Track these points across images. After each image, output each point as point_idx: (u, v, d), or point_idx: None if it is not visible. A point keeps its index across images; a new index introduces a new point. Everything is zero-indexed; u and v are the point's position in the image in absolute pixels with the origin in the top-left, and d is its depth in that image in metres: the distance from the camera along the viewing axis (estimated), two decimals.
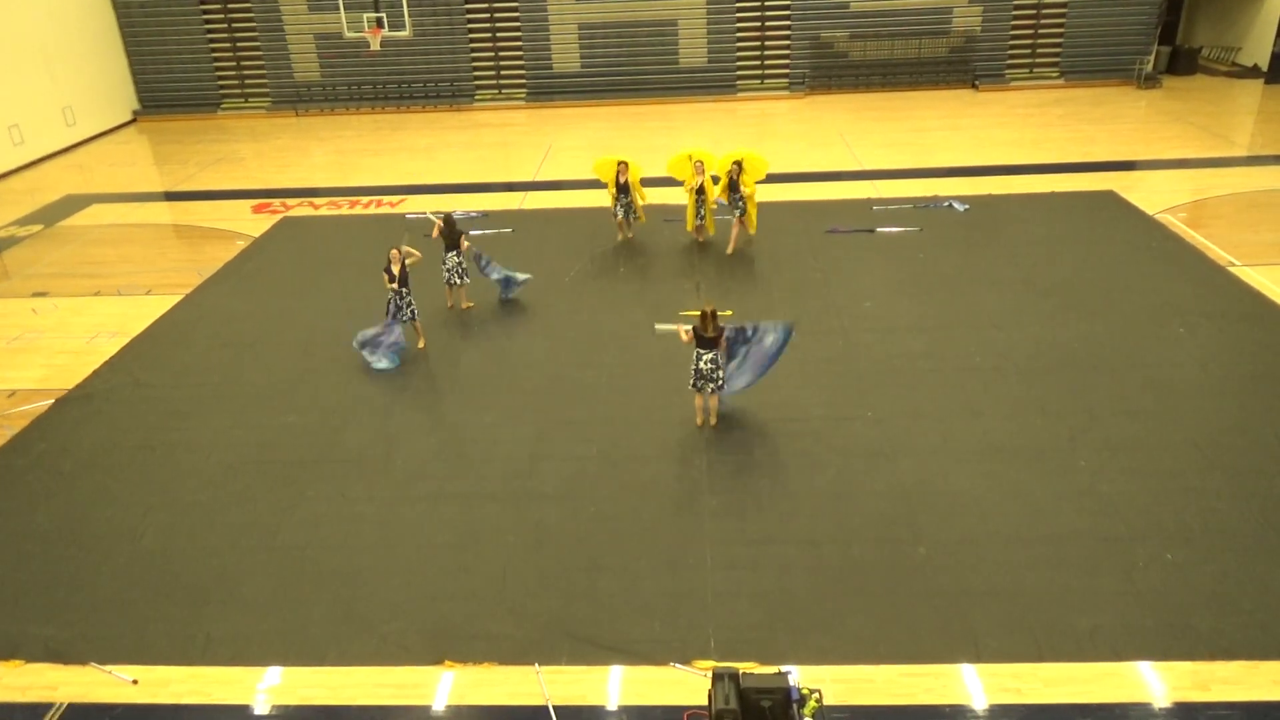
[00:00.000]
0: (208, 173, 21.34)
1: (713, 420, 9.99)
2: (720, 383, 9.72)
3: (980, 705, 6.57)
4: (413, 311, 11.78)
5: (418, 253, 11.88)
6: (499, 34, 26.30)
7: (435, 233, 12.76)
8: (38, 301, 14.21)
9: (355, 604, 7.74)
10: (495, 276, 13.06)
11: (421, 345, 12.06)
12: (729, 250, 14.62)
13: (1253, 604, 7.31)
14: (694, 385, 9.78)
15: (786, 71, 26.45)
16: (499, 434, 10.09)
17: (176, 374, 11.71)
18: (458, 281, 12.89)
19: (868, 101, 25.52)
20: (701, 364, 9.61)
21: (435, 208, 17.59)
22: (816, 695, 6.06)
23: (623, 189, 14.80)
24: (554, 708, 6.68)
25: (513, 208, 17.87)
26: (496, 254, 13.52)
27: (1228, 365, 10.79)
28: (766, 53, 26.46)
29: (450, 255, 12.65)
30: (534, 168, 20.67)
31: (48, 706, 6.88)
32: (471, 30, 26.17)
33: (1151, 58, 25.51)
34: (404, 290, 11.61)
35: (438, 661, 7.13)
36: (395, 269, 11.47)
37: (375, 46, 23.60)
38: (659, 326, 9.95)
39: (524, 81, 26.64)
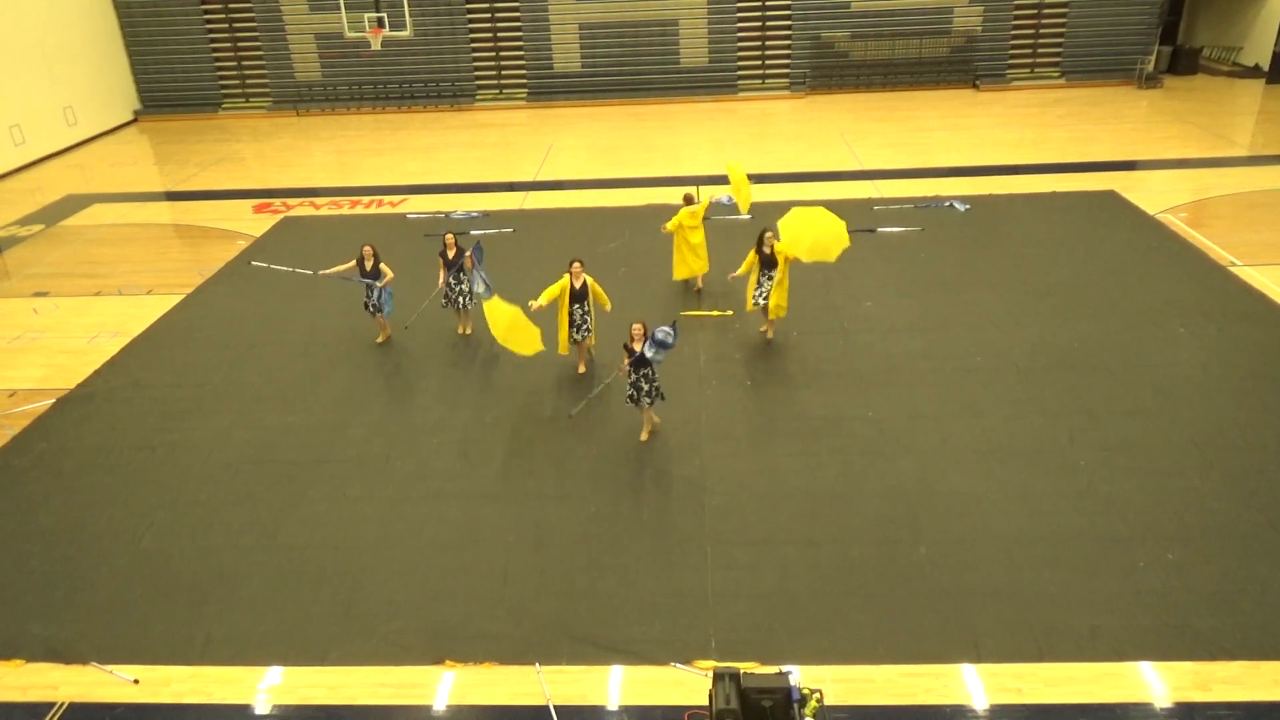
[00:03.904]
0: (209, 173, 21.35)
1: (644, 435, 9.84)
2: (655, 394, 9.59)
3: (981, 705, 6.57)
4: (378, 305, 11.86)
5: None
6: (500, 34, 26.31)
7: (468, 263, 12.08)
8: (38, 301, 14.22)
9: (355, 604, 7.75)
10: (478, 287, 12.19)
11: (380, 340, 12.16)
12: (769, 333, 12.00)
13: (1253, 604, 7.31)
14: (634, 402, 9.63)
15: (787, 71, 26.45)
16: (498, 434, 10.09)
17: (177, 374, 11.72)
18: (460, 304, 12.17)
19: (869, 101, 25.52)
20: (641, 380, 9.50)
21: (436, 207, 17.67)
22: (817, 695, 6.05)
23: (578, 295, 10.84)
24: (554, 708, 6.69)
25: (513, 208, 17.88)
26: (497, 254, 13.52)
27: (1228, 365, 10.78)
28: (767, 52, 26.46)
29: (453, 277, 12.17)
30: (535, 168, 20.68)
31: (49, 706, 6.89)
32: (472, 30, 26.18)
33: (1152, 58, 25.51)
34: (375, 283, 11.76)
35: (438, 661, 7.14)
36: (369, 265, 11.62)
37: (376, 46, 23.59)
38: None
39: (525, 81, 26.65)
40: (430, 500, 9.04)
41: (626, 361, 9.37)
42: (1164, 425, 9.65)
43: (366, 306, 12.03)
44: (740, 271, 11.64)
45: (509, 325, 10.39)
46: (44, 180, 21.19)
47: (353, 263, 11.84)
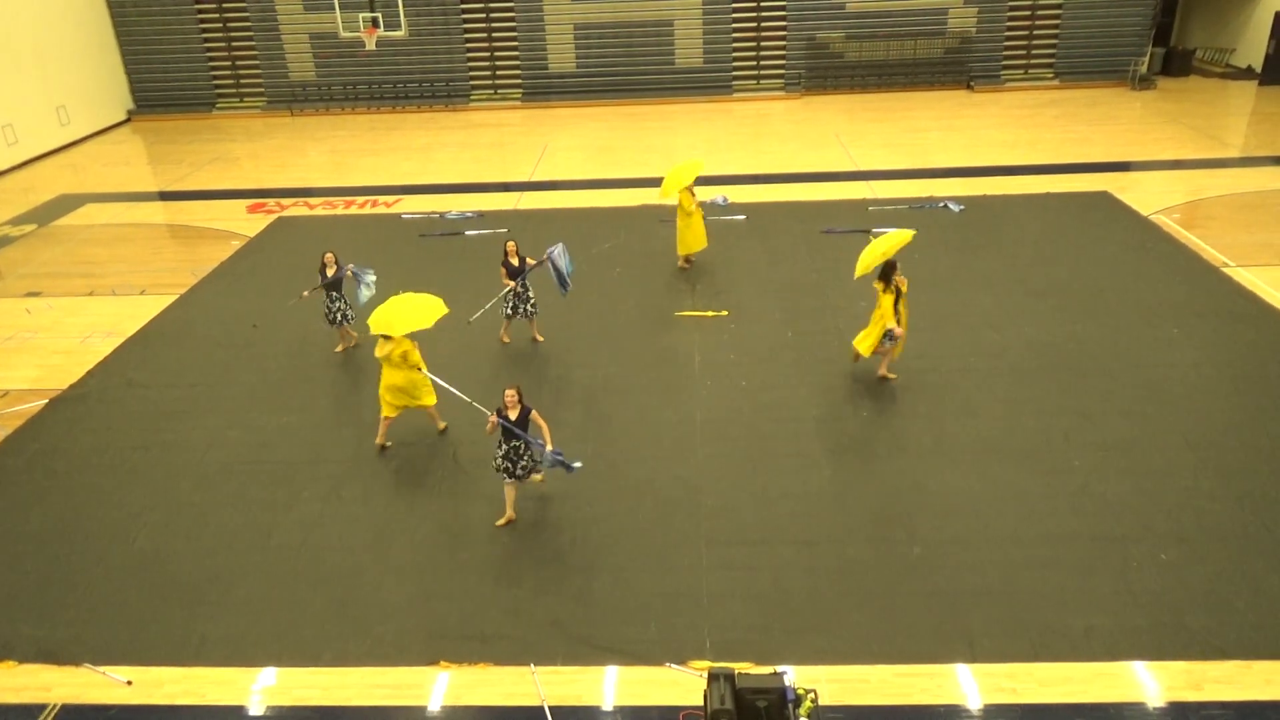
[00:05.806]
0: (202, 172, 21.29)
1: (501, 520, 8.57)
2: (536, 464, 8.47)
3: (975, 705, 6.58)
4: (344, 316, 11.70)
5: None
6: (495, 34, 26.28)
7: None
8: (31, 301, 14.16)
9: (350, 604, 7.73)
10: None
11: (340, 349, 12.02)
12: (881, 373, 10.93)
13: (1246, 604, 7.33)
14: (511, 475, 8.41)
15: (782, 72, 26.47)
16: (493, 434, 10.05)
17: (171, 374, 11.68)
18: (525, 311, 11.79)
19: (863, 102, 25.55)
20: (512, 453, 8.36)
21: (431, 208, 17.65)
22: (812, 695, 6.05)
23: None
24: (549, 708, 6.68)
25: (508, 208, 17.86)
26: (493, 255, 13.48)
27: (1221, 366, 10.82)
28: (762, 53, 26.47)
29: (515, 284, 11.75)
30: (530, 168, 20.66)
31: (41, 707, 6.86)
32: (467, 30, 26.14)
33: (1146, 59, 25.59)
34: (334, 294, 11.62)
35: (433, 662, 7.13)
36: (330, 272, 11.49)
37: (371, 46, 23.57)
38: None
39: (520, 81, 26.62)
40: (425, 500, 9.02)
41: (493, 419, 8.23)
42: (1158, 425, 9.68)
43: (328, 318, 11.72)
44: (891, 321, 10.24)
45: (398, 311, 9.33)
46: (37, 180, 21.11)
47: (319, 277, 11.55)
